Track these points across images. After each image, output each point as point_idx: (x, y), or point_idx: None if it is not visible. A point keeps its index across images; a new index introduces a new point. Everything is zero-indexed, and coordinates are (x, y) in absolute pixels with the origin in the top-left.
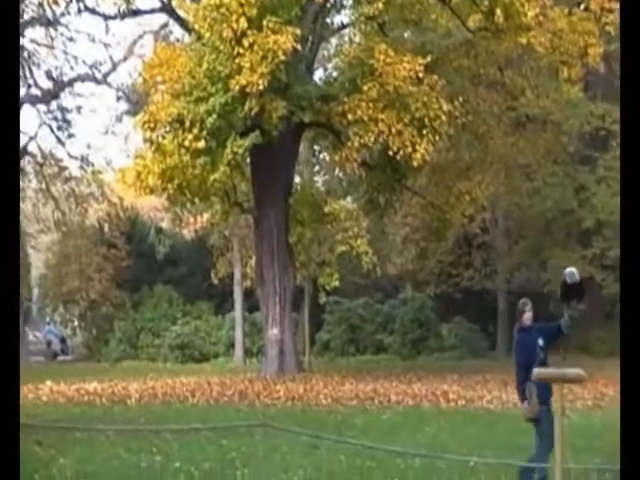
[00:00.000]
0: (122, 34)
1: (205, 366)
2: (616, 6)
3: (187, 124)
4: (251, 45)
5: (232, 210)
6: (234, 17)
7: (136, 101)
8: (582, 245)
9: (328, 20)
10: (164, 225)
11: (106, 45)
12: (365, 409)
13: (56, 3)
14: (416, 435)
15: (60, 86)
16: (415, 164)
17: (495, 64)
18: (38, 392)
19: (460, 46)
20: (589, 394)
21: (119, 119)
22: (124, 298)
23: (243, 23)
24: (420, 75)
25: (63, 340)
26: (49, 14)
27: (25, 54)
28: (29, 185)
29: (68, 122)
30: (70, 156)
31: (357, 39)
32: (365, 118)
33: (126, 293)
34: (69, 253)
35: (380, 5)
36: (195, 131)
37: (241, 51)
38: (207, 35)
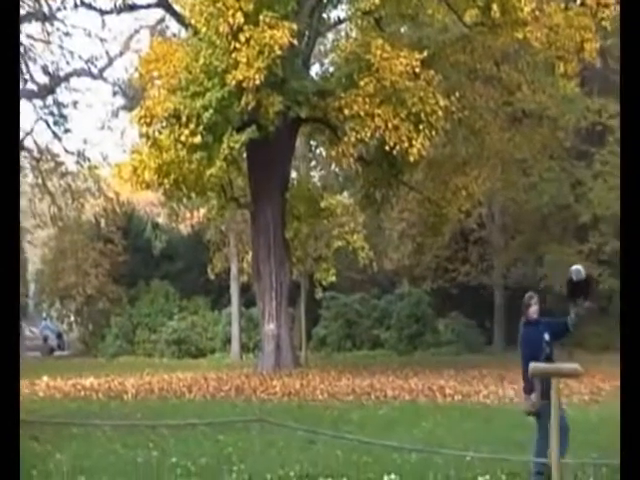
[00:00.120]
0: (118, 29)
1: (202, 361)
2: (612, 0)
3: (183, 119)
4: (247, 40)
5: (228, 205)
6: (230, 12)
7: (132, 96)
8: (578, 240)
9: (325, 15)
10: (160, 220)
11: (102, 40)
12: (361, 404)
13: None
14: (412, 430)
15: (56, 81)
16: (411, 159)
17: (491, 59)
18: (34, 387)
19: (457, 41)
20: (585, 389)
21: (115, 114)
22: (120, 293)
23: (239, 18)
24: (417, 70)
25: (59, 335)
26: (45, 9)
27: (21, 49)
28: (25, 180)
29: (64, 117)
30: (66, 151)
31: (354, 34)
32: (362, 113)
33: (122, 288)
34: (65, 248)
35: (376, 0)
36: (191, 126)
37: (237, 46)
38: (203, 30)
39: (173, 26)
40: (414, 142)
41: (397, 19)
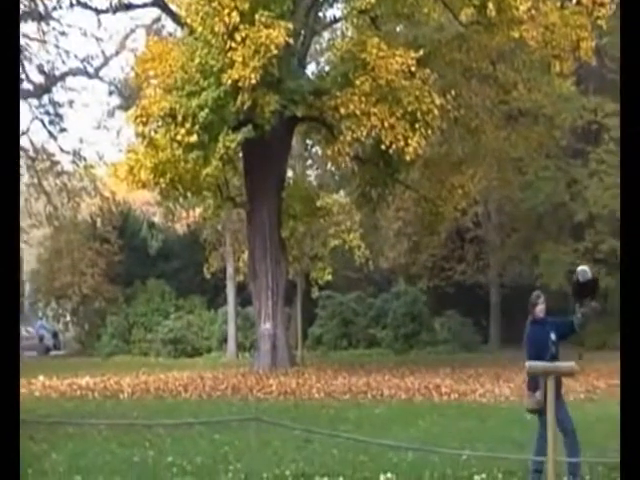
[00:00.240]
0: (114, 28)
1: (198, 360)
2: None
3: (179, 118)
4: (243, 39)
5: (224, 204)
6: (226, 11)
7: (128, 95)
8: (574, 238)
9: (320, 14)
10: (156, 219)
11: (98, 39)
12: (358, 403)
13: None
14: (409, 429)
15: (52, 80)
16: (408, 158)
17: (487, 58)
18: (31, 387)
19: (452, 40)
20: (581, 387)
21: (111, 113)
22: (116, 293)
23: (235, 17)
24: (412, 69)
25: (55, 335)
26: (41, 8)
27: None
28: (21, 179)
29: (60, 116)
30: (62, 150)
31: (349, 33)
32: (357, 112)
33: (118, 288)
34: (61, 248)
35: None
36: (187, 125)
37: (233, 45)
38: (199, 29)
39: (169, 25)
40: (410, 141)
41: (393, 18)
